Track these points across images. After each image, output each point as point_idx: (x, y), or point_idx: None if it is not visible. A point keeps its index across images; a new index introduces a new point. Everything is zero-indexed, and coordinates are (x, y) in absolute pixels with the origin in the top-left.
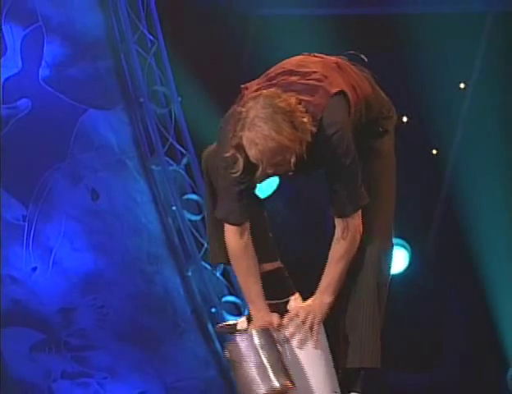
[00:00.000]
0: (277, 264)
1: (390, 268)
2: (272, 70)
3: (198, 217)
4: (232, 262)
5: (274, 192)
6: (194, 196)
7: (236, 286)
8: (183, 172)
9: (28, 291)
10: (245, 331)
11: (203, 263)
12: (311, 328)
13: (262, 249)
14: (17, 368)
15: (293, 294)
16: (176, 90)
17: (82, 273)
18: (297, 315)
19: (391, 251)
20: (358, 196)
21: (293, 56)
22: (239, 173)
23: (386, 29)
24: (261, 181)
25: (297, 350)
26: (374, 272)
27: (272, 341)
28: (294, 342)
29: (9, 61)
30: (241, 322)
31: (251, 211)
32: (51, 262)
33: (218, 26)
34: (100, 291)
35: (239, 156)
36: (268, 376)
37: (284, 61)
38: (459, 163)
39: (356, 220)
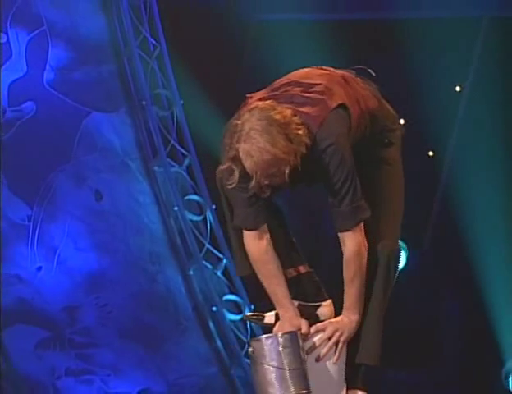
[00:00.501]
0: (307, 268)
1: (396, 271)
2: (278, 80)
3: (199, 218)
4: (254, 266)
5: None
6: (195, 197)
7: (237, 285)
8: (184, 174)
9: (33, 290)
10: (272, 327)
11: (204, 263)
12: (336, 345)
13: (288, 253)
14: (23, 365)
15: (324, 300)
16: (178, 93)
17: (86, 272)
18: (324, 329)
19: (399, 255)
20: (357, 209)
21: (292, 59)
22: (234, 184)
23: (384, 33)
24: (264, 193)
25: (317, 363)
26: (381, 276)
27: (297, 347)
28: (317, 354)
29: (14, 64)
30: (269, 317)
31: (266, 215)
32: (55, 261)
33: (219, 30)
34: (103, 290)
35: (234, 168)
36: (287, 382)
37: (292, 73)
38: (455, 165)
39: (358, 233)
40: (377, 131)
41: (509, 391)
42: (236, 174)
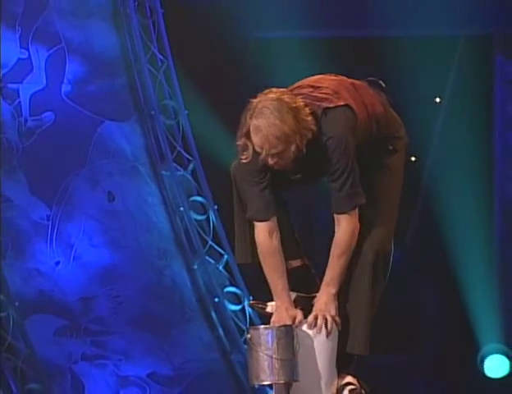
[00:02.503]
0: (304, 261)
1: (386, 270)
2: (293, 85)
3: (203, 217)
4: (261, 258)
5: None
6: (199, 198)
7: (237, 278)
8: (189, 177)
9: (52, 283)
10: (271, 315)
11: (208, 258)
12: (325, 322)
13: (289, 247)
14: (42, 350)
15: (318, 291)
16: (183, 104)
17: (100, 267)
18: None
19: (389, 255)
20: (354, 195)
21: (289, 74)
22: (248, 160)
23: (374, 49)
24: (274, 167)
25: (310, 352)
26: (369, 272)
27: (291, 340)
28: (310, 338)
29: (35, 78)
30: (271, 306)
31: (275, 208)
32: (72, 256)
33: (221, 47)
34: (116, 283)
35: (249, 143)
36: (277, 370)
37: (306, 79)
38: (434, 169)
39: (353, 216)
40: (383, 137)
41: (484, 374)
42: (250, 149)
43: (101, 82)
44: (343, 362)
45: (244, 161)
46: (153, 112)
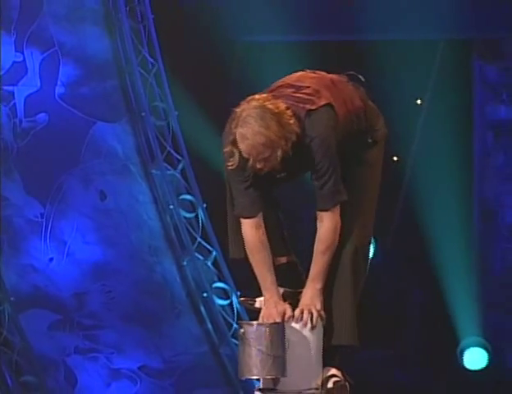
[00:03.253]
0: (292, 258)
1: (366, 263)
2: (275, 83)
3: (192, 215)
4: (248, 253)
5: None
6: (188, 196)
7: (225, 274)
8: (179, 176)
9: (46, 279)
10: (259, 311)
11: (197, 255)
12: (311, 316)
13: (278, 244)
14: (37, 344)
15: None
16: (173, 106)
17: (92, 263)
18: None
19: (369, 247)
20: (336, 193)
21: (276, 77)
22: (235, 165)
23: (358, 53)
24: (260, 173)
25: (298, 348)
26: (350, 265)
27: (282, 337)
28: (297, 331)
29: (29, 80)
30: (260, 301)
31: (261, 204)
32: (65, 253)
33: (209, 51)
34: (108, 279)
35: (235, 150)
36: (268, 366)
37: (287, 77)
38: (416, 168)
39: (335, 213)
40: (362, 131)
41: (464, 366)
42: (236, 156)
43: (93, 84)
44: (328, 355)
45: (230, 167)
46: (143, 114)
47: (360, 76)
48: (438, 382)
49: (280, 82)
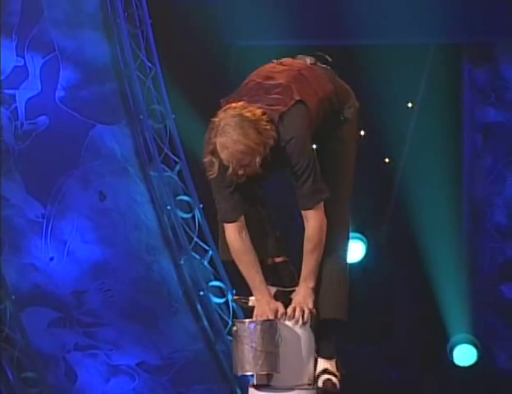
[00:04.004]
0: (284, 258)
1: (348, 230)
2: (245, 83)
3: (188, 215)
4: (234, 256)
5: None
6: (185, 197)
7: (221, 273)
8: (176, 177)
9: (46, 277)
10: (251, 312)
11: (193, 254)
12: (302, 314)
13: (271, 244)
14: (37, 341)
15: (297, 285)
16: (170, 108)
17: (91, 262)
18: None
19: (348, 218)
20: (317, 191)
21: None
22: (215, 175)
23: (351, 57)
24: (240, 181)
25: (291, 343)
26: (332, 237)
27: (274, 333)
28: (289, 328)
29: (30, 84)
30: (253, 300)
31: (242, 208)
32: (65, 252)
33: (206, 55)
34: (107, 277)
35: (214, 160)
36: (260, 361)
37: (256, 72)
38: (407, 169)
39: (319, 211)
40: (336, 109)
41: (453, 362)
42: (216, 165)
43: (93, 88)
44: (322, 340)
45: (211, 176)
46: (141, 117)
47: (327, 56)
48: (428, 377)
49: (250, 82)
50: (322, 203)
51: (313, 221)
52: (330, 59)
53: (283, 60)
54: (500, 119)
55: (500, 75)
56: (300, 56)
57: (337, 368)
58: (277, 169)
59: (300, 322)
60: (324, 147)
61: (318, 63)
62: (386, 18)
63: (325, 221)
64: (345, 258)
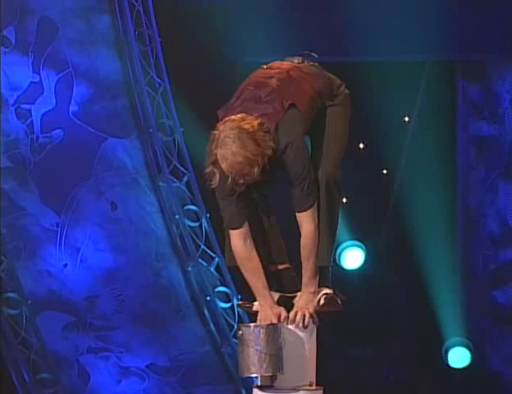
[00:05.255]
0: (286, 265)
1: (338, 191)
2: (238, 91)
3: (196, 224)
4: (238, 262)
5: None
6: (193, 207)
7: (227, 279)
8: (184, 188)
9: (60, 283)
10: (255, 316)
11: (200, 261)
12: (303, 319)
13: (276, 252)
14: (52, 344)
15: (299, 291)
16: (179, 122)
17: (103, 269)
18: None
19: (339, 177)
20: (311, 195)
21: None
22: (216, 185)
23: (352, 73)
24: (241, 189)
25: (293, 346)
26: (325, 194)
27: (278, 337)
28: (292, 331)
29: (46, 99)
30: (257, 305)
31: (247, 215)
32: (79, 259)
33: (212, 71)
34: (118, 283)
35: (215, 170)
36: (266, 364)
37: (248, 79)
38: (404, 180)
39: (313, 215)
40: (326, 99)
41: (448, 364)
42: (217, 175)
43: (105, 103)
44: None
45: (212, 186)
46: (151, 130)
47: (313, 54)
48: (424, 379)
49: (243, 88)
50: (315, 206)
51: (306, 225)
52: (316, 56)
53: (271, 64)
54: (492, 132)
55: (492, 91)
56: (288, 57)
57: (335, 293)
58: (276, 174)
59: (301, 325)
60: (319, 122)
61: (306, 61)
62: (385, 37)
63: (317, 225)
64: (336, 209)
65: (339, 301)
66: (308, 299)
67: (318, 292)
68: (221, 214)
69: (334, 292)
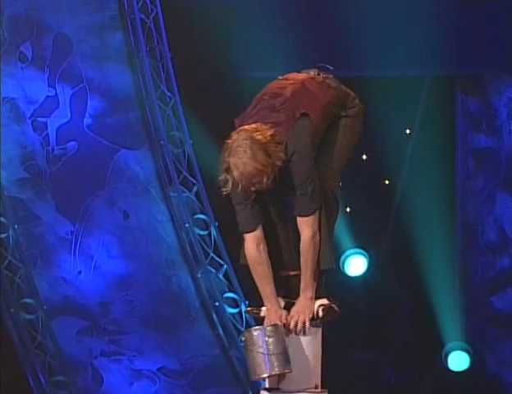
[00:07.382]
0: (297, 272)
1: (338, 203)
2: (255, 101)
3: (205, 232)
4: (250, 267)
5: None
6: (202, 216)
7: (235, 285)
8: (194, 198)
9: (75, 289)
10: (262, 322)
11: (209, 268)
12: (303, 324)
13: (289, 258)
14: (67, 347)
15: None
16: (189, 135)
17: (116, 275)
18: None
19: (338, 192)
20: (313, 201)
21: None
22: (229, 191)
23: (355, 88)
24: (252, 196)
25: (297, 346)
26: (324, 207)
27: (280, 336)
28: (294, 335)
29: (61, 112)
30: (264, 311)
31: (261, 218)
32: (92, 267)
33: (221, 85)
34: (130, 289)
35: (228, 177)
36: (272, 363)
37: (265, 89)
38: (405, 190)
39: (314, 220)
40: (340, 110)
41: (448, 367)
42: (230, 182)
43: (117, 116)
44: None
45: (225, 192)
46: (162, 142)
47: (328, 66)
48: (424, 382)
49: (260, 100)
50: (317, 213)
51: (306, 230)
52: (331, 68)
53: (288, 75)
54: (490, 145)
55: (490, 105)
56: (304, 70)
57: (331, 301)
58: (286, 180)
59: (294, 331)
60: (327, 133)
61: (321, 73)
62: (387, 53)
63: (317, 232)
64: (334, 221)
65: (336, 308)
66: (305, 304)
67: (316, 303)
68: (236, 219)
69: (329, 300)
